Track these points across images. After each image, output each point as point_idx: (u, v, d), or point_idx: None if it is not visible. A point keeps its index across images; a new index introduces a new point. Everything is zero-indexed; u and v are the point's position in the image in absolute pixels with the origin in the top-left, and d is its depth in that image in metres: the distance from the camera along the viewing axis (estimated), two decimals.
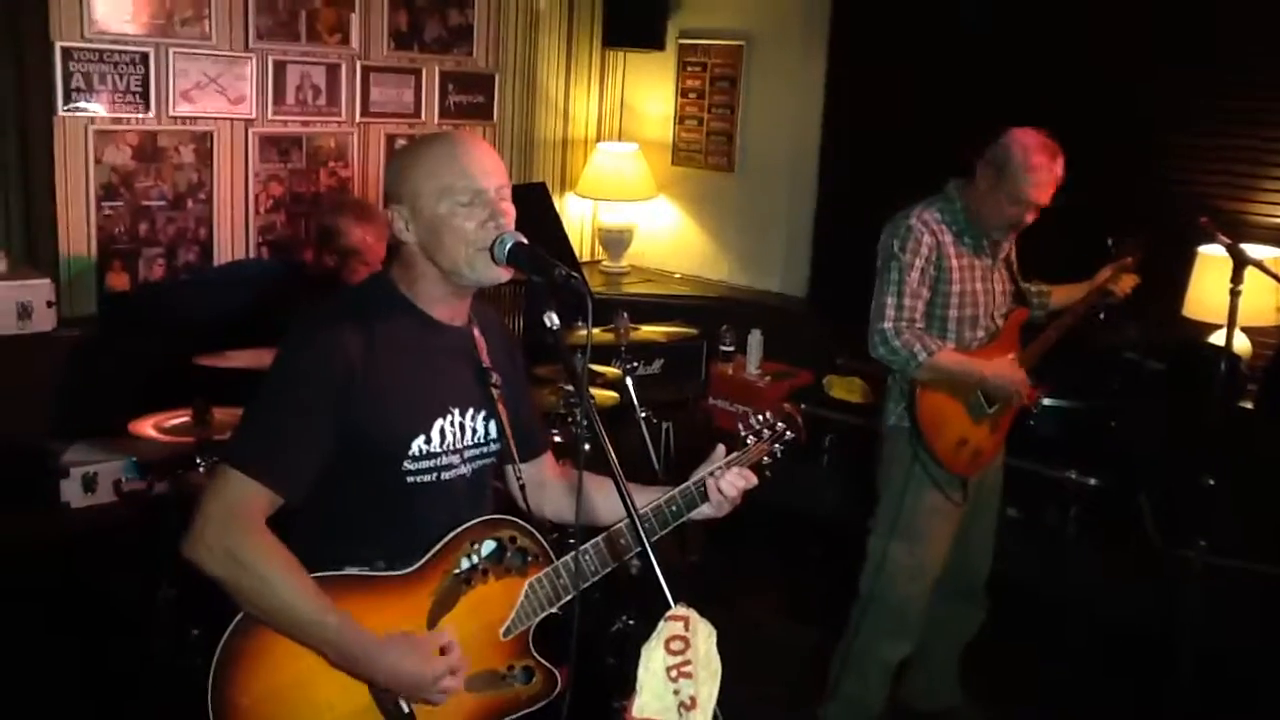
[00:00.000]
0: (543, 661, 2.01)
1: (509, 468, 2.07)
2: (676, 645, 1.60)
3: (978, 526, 3.40)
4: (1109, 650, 3.91)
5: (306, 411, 1.81)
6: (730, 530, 4.73)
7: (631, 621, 3.50)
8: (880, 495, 3.31)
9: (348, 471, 1.86)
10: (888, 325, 3.12)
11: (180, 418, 3.49)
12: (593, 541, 2.00)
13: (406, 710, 1.87)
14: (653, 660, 1.61)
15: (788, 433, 2.20)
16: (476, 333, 2.04)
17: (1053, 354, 3.31)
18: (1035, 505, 4.19)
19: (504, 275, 1.90)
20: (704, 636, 1.62)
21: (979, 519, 3.40)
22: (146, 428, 3.43)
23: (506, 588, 1.97)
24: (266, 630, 1.80)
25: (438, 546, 1.92)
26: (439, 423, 1.93)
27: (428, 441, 1.91)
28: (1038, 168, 3.06)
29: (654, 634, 1.61)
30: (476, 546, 1.95)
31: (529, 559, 1.98)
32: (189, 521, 1.77)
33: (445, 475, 1.95)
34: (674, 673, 1.59)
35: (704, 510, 2.08)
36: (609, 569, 2.01)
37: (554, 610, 1.99)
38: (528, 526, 2.00)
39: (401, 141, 5.28)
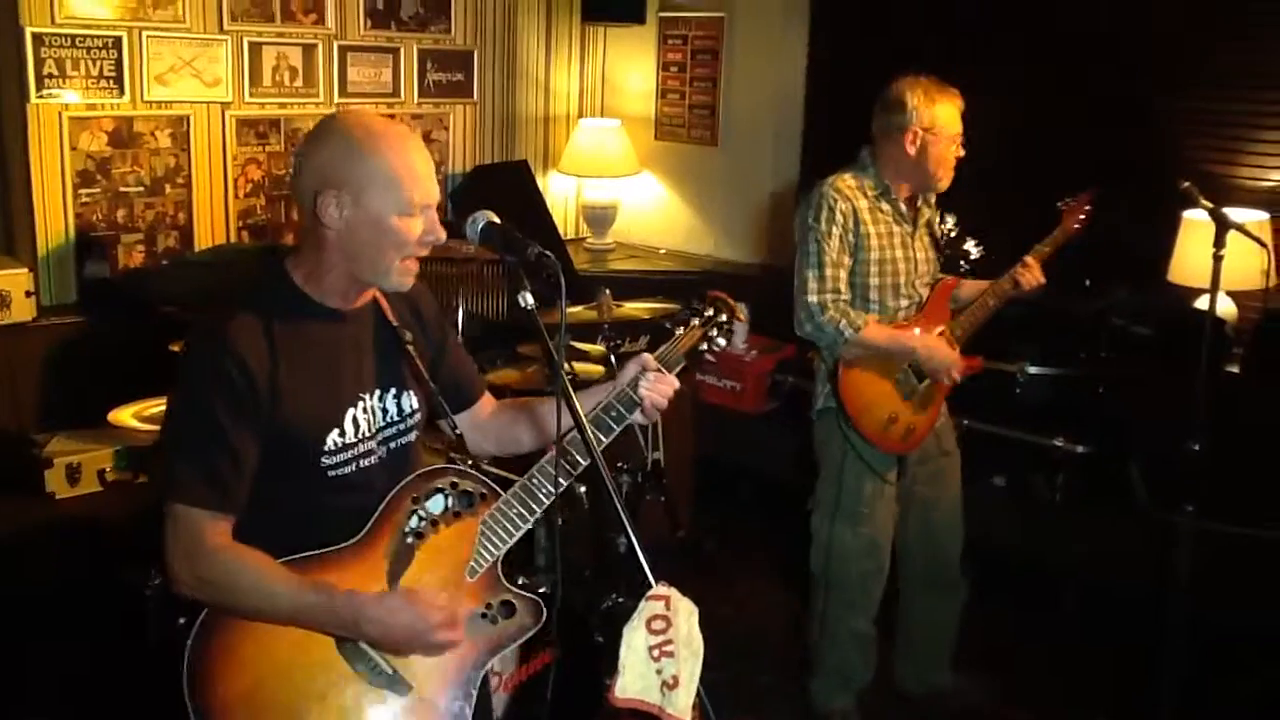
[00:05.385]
0: (521, 593, 2.00)
1: (443, 421, 2.10)
2: (658, 625, 1.59)
3: (939, 510, 3.37)
4: (1099, 617, 3.92)
5: (227, 427, 1.80)
6: (718, 503, 4.76)
7: (621, 599, 3.50)
8: (819, 475, 3.29)
9: (269, 473, 1.87)
10: (812, 299, 3.06)
11: (161, 405, 3.46)
12: (538, 465, 2.00)
13: (390, 670, 1.88)
14: (634, 640, 1.60)
15: (721, 315, 2.21)
16: (380, 299, 2.04)
17: (983, 329, 3.28)
18: (1023, 473, 4.19)
19: (409, 283, 1.94)
20: (685, 615, 1.61)
21: (939, 504, 3.37)
22: (126, 417, 3.40)
23: (459, 532, 1.97)
24: (225, 630, 1.82)
25: (379, 510, 1.93)
26: (350, 412, 1.94)
27: (342, 434, 1.92)
28: (952, 95, 3.09)
29: (635, 614, 1.60)
30: (419, 501, 1.96)
31: (476, 499, 1.99)
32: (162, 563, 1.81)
33: (364, 462, 1.96)
34: (656, 652, 1.59)
35: (636, 418, 2.09)
36: (562, 489, 1.99)
37: (514, 541, 1.99)
38: (464, 469, 2.01)
39: None
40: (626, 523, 1.68)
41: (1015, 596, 4.00)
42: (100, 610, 3.51)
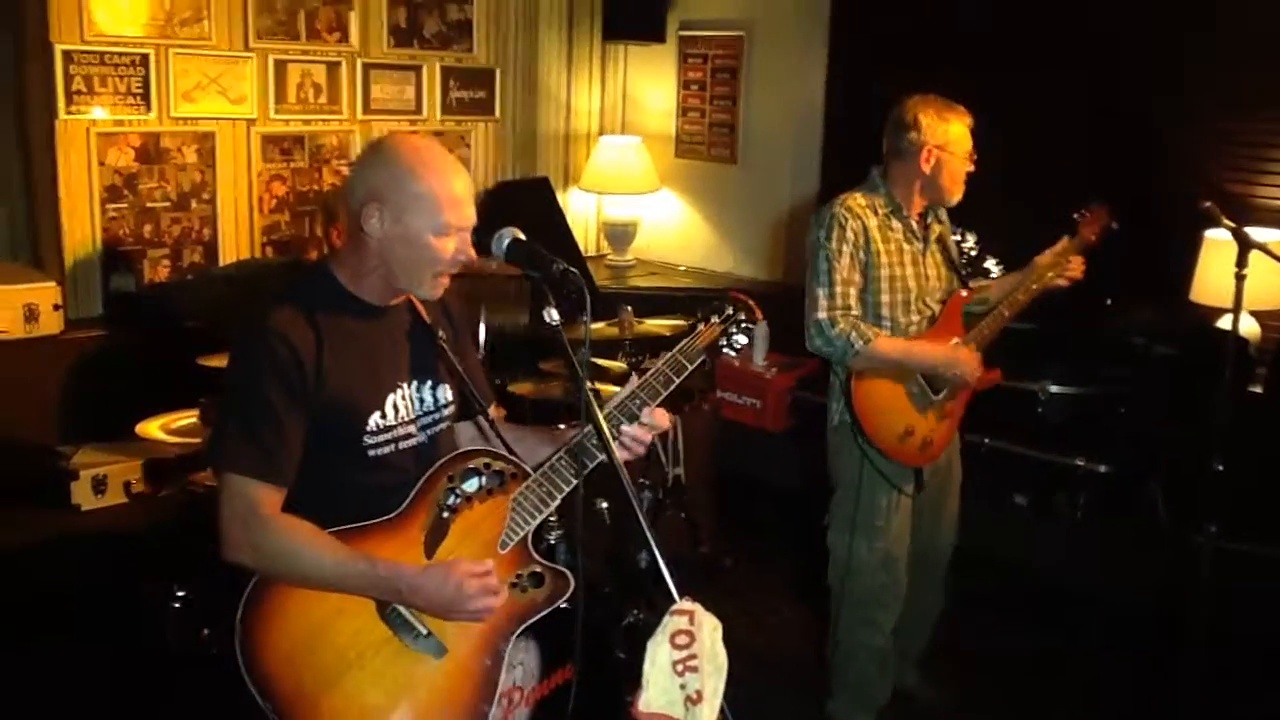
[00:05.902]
0: (549, 565, 2.10)
1: (479, 418, 2.25)
2: (682, 640, 1.60)
3: (939, 515, 3.38)
4: (1120, 636, 3.89)
5: (277, 405, 1.94)
6: (739, 519, 4.76)
7: (642, 615, 3.50)
8: (834, 490, 3.28)
9: (316, 450, 2.00)
10: (822, 316, 3.06)
11: (188, 418, 3.50)
12: (564, 446, 2.11)
13: (425, 631, 1.97)
14: (658, 655, 1.60)
15: (740, 315, 2.32)
16: (414, 299, 2.18)
17: (1001, 336, 3.27)
18: (1045, 492, 4.18)
19: (439, 294, 2.09)
20: (709, 630, 1.61)
21: (940, 508, 3.37)
22: (154, 429, 3.43)
23: (492, 508, 2.08)
24: (272, 596, 1.93)
25: (417, 487, 2.05)
26: (391, 398, 2.08)
27: (383, 416, 2.06)
28: (961, 114, 3.12)
29: (659, 628, 1.61)
30: (455, 480, 2.07)
31: (506, 477, 2.11)
32: (215, 530, 1.93)
33: (403, 444, 2.10)
34: (680, 667, 1.59)
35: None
36: (584, 474, 2.10)
37: (543, 517, 2.09)
38: (496, 450, 2.12)
39: None
40: (650, 537, 1.69)
41: (1036, 614, 3.99)
42: (122, 622, 3.53)
